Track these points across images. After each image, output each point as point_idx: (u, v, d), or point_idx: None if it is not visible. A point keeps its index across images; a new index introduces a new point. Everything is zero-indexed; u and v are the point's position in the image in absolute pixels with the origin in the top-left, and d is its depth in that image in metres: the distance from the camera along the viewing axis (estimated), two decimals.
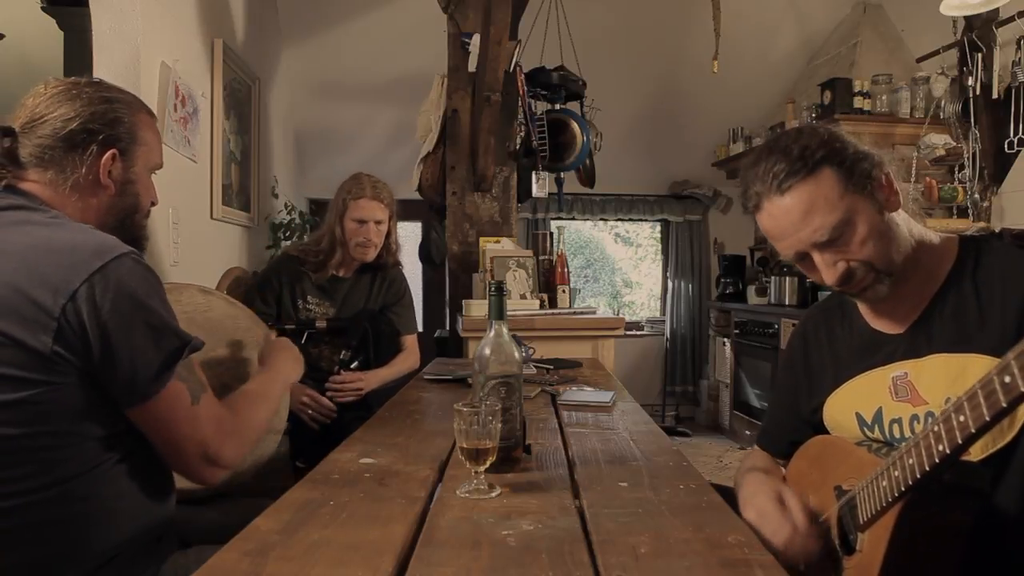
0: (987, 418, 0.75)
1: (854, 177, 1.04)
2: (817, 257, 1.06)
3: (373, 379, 2.29)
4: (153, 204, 1.24)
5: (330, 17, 4.38)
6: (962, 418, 0.78)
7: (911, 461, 0.86)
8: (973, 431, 0.77)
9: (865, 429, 1.14)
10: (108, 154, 1.12)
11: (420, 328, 2.68)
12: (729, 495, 1.30)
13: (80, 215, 1.11)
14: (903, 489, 0.88)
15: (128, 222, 1.18)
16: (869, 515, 0.95)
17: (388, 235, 2.38)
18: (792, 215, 1.04)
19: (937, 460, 0.82)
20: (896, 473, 0.89)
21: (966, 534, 0.90)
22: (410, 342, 2.49)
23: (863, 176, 1.04)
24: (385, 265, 2.41)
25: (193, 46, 2.80)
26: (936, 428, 0.82)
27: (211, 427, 1.09)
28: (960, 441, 0.79)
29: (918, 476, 0.85)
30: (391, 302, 2.43)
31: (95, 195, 1.13)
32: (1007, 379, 0.72)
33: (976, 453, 0.98)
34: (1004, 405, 0.73)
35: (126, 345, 0.99)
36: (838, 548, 1.03)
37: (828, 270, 1.06)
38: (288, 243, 3.68)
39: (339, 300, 2.35)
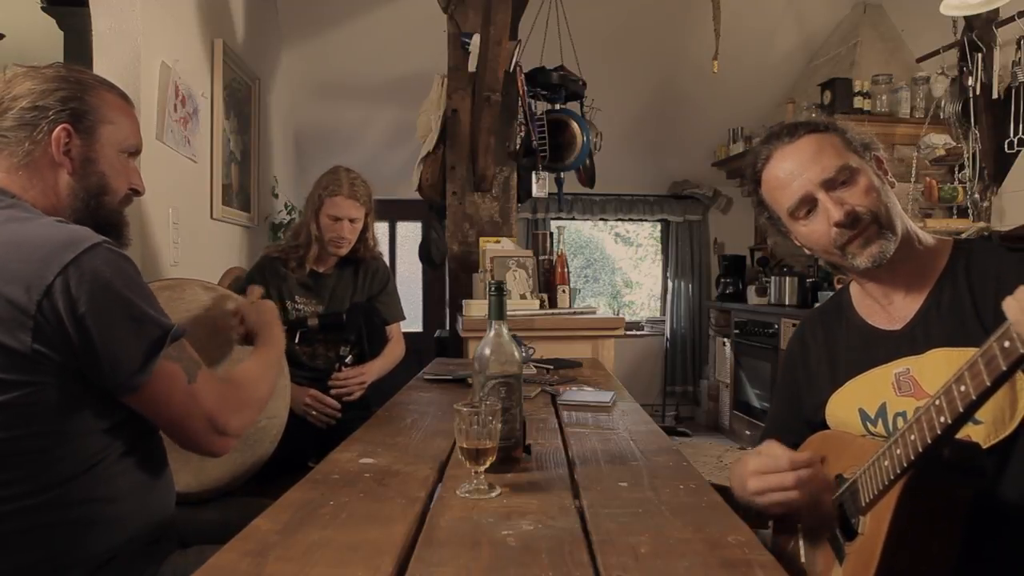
0: (988, 383, 0.76)
1: (855, 145, 1.14)
2: (824, 197, 1.10)
3: (373, 371, 2.29)
4: (137, 192, 1.18)
5: (330, 17, 4.38)
6: (963, 388, 0.79)
7: (913, 437, 0.86)
8: (974, 398, 0.78)
9: (868, 424, 1.14)
10: (59, 129, 1.07)
11: (420, 328, 2.66)
12: (729, 495, 1.30)
13: (43, 198, 1.08)
14: (905, 465, 0.88)
15: (95, 204, 1.12)
16: (871, 496, 0.95)
17: (365, 231, 2.35)
18: (803, 154, 1.12)
19: (939, 431, 0.83)
20: (898, 451, 0.89)
21: (967, 511, 0.90)
22: (395, 330, 2.48)
23: (863, 146, 1.14)
24: (364, 258, 2.40)
25: (193, 46, 2.80)
26: (938, 401, 0.83)
27: (213, 400, 1.08)
28: (962, 410, 0.80)
29: (920, 450, 0.85)
30: (376, 291, 2.42)
31: (53, 173, 1.08)
32: (1006, 344, 0.74)
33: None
34: (1004, 368, 0.74)
35: (107, 338, 0.96)
36: (839, 536, 1.03)
37: (835, 208, 1.10)
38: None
39: (326, 296, 2.34)
